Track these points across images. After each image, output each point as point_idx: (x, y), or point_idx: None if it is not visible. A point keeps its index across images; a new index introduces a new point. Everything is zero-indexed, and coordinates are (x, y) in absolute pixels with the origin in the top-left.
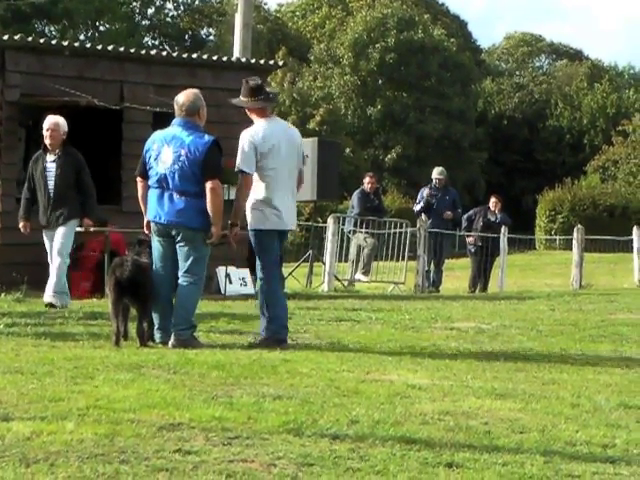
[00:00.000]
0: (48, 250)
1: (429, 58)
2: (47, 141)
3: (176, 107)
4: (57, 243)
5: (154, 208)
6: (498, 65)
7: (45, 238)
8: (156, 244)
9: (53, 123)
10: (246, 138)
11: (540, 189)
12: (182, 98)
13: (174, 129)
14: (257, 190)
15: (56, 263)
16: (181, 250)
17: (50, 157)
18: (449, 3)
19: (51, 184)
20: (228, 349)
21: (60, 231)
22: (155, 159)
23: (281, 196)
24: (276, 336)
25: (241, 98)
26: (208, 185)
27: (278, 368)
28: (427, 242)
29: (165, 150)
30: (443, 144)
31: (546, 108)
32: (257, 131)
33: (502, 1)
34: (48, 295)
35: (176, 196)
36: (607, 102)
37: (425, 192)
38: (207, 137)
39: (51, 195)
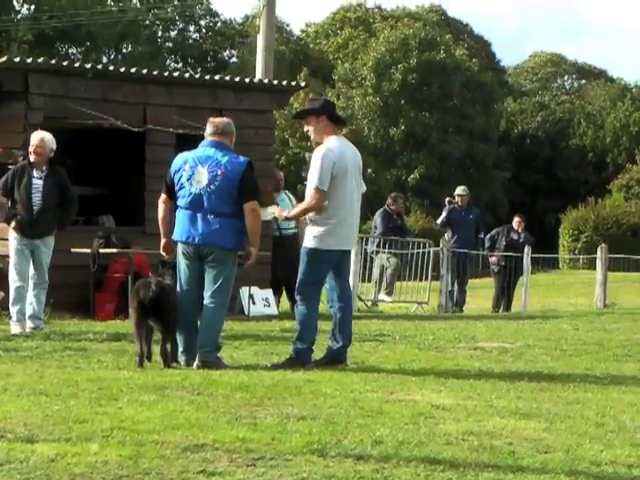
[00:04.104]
0: (19, 257)
1: (451, 78)
2: (32, 158)
3: (210, 128)
4: (40, 273)
5: (186, 229)
6: (523, 85)
7: (20, 245)
8: (183, 266)
9: (39, 139)
10: (326, 155)
11: (563, 208)
12: (217, 120)
13: (206, 150)
14: (331, 208)
15: (41, 289)
16: (210, 271)
17: (36, 173)
18: (473, 24)
19: (36, 200)
20: (252, 370)
21: (41, 259)
22: (188, 179)
23: (345, 216)
24: (300, 357)
25: (322, 109)
26: (248, 206)
27: (302, 389)
28: (450, 262)
29: (199, 170)
30: (466, 164)
31: (569, 127)
32: (334, 148)
33: (532, 21)
34: (34, 319)
35: (210, 217)
36: (630, 120)
37: (446, 200)
38: (242, 158)
39: (34, 211)
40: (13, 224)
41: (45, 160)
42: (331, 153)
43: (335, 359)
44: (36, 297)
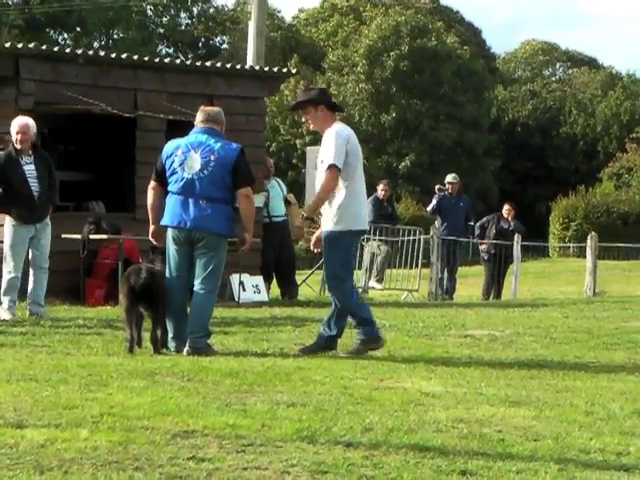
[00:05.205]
0: (17, 247)
1: (442, 66)
2: (18, 145)
3: (201, 115)
4: (42, 254)
5: (177, 214)
6: (513, 72)
7: (20, 234)
8: (172, 252)
9: (23, 125)
10: (339, 134)
11: (554, 196)
12: (208, 108)
13: (199, 136)
14: (350, 188)
15: (42, 274)
16: (201, 257)
17: (25, 159)
18: (465, 11)
19: (34, 186)
20: (242, 356)
21: (43, 241)
22: (180, 164)
23: (362, 195)
24: (370, 337)
25: (319, 98)
26: (242, 192)
27: (292, 375)
28: (440, 249)
29: (192, 155)
30: (456, 151)
31: (560, 115)
32: (344, 129)
33: (525, 9)
34: (35, 305)
35: (202, 202)
36: (621, 109)
37: (436, 187)
38: (234, 145)
39: (35, 197)
40: (14, 213)
41: (30, 145)
42: (343, 132)
43: (325, 347)
44: (39, 283)
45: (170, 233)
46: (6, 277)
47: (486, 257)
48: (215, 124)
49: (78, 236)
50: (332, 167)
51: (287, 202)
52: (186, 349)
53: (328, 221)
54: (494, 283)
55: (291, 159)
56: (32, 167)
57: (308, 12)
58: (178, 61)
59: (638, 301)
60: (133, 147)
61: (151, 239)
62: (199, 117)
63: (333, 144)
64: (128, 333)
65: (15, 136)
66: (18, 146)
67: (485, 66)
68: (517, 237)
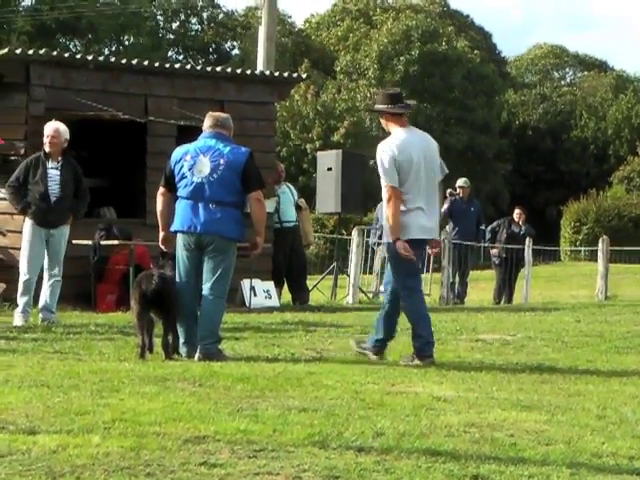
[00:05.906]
0: (32, 249)
1: (453, 70)
2: (47, 148)
3: (209, 120)
4: (56, 262)
5: (187, 218)
6: (524, 76)
7: (35, 235)
8: (182, 258)
9: (53, 130)
10: (384, 152)
11: (564, 200)
12: (216, 114)
13: (207, 141)
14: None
15: (56, 281)
16: (210, 262)
17: (52, 164)
18: (476, 16)
19: (53, 190)
20: (253, 362)
21: (57, 248)
22: (190, 169)
23: (415, 205)
24: (422, 353)
25: (378, 106)
26: (253, 196)
27: (303, 380)
28: (452, 254)
29: (201, 160)
30: (467, 155)
31: (570, 119)
32: (394, 142)
33: (536, 13)
34: (47, 312)
35: (212, 206)
36: (632, 112)
37: (447, 192)
38: (243, 148)
39: (51, 201)
40: (29, 212)
41: (60, 150)
42: (389, 149)
43: (376, 352)
44: (51, 288)
45: (180, 239)
46: (21, 279)
47: (497, 261)
48: (223, 129)
49: (89, 242)
50: (388, 187)
51: (298, 207)
52: (197, 355)
53: (384, 235)
54: (505, 287)
55: (302, 164)
56: (57, 172)
57: (318, 17)
58: (188, 66)
59: None
60: (144, 153)
61: (161, 246)
62: (207, 122)
63: (380, 165)
64: (139, 339)
65: (45, 139)
66: (47, 149)
67: (495, 70)
68: (528, 241)
